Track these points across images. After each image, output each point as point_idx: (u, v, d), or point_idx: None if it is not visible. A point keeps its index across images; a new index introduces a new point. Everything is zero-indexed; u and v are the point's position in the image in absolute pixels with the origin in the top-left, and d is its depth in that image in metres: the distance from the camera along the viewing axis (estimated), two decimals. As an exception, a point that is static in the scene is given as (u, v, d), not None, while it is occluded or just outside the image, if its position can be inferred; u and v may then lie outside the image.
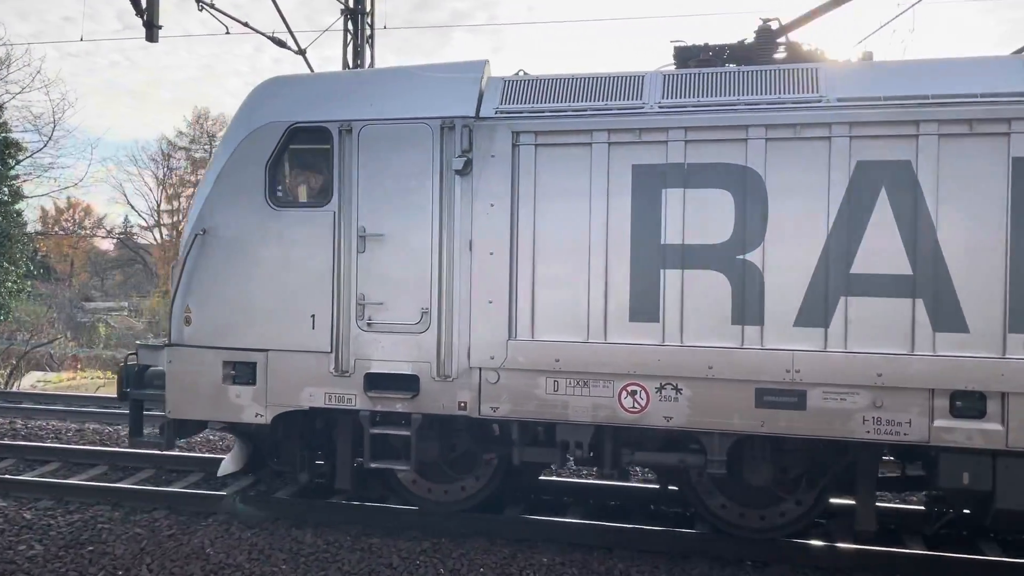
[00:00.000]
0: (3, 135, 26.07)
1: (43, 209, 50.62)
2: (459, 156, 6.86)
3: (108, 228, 58.22)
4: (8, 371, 26.08)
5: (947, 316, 6.08)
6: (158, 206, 54.87)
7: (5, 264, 25.61)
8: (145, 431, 7.98)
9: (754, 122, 6.38)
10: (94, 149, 76.46)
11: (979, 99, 6.08)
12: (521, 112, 6.86)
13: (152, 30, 12.81)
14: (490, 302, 6.84)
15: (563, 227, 6.73)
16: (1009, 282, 5.97)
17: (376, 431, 7.12)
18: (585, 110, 6.75)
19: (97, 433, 11.69)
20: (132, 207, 58.01)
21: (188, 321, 7.54)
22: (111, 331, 39.90)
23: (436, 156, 6.96)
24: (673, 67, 7.46)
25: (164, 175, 54.96)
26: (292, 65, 77.97)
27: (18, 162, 27.44)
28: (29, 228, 30.55)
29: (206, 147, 51.28)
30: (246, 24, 15.32)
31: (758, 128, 6.38)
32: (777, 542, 7.04)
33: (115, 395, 8.81)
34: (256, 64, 61.91)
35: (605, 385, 6.65)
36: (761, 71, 6.65)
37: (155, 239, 54.77)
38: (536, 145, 6.78)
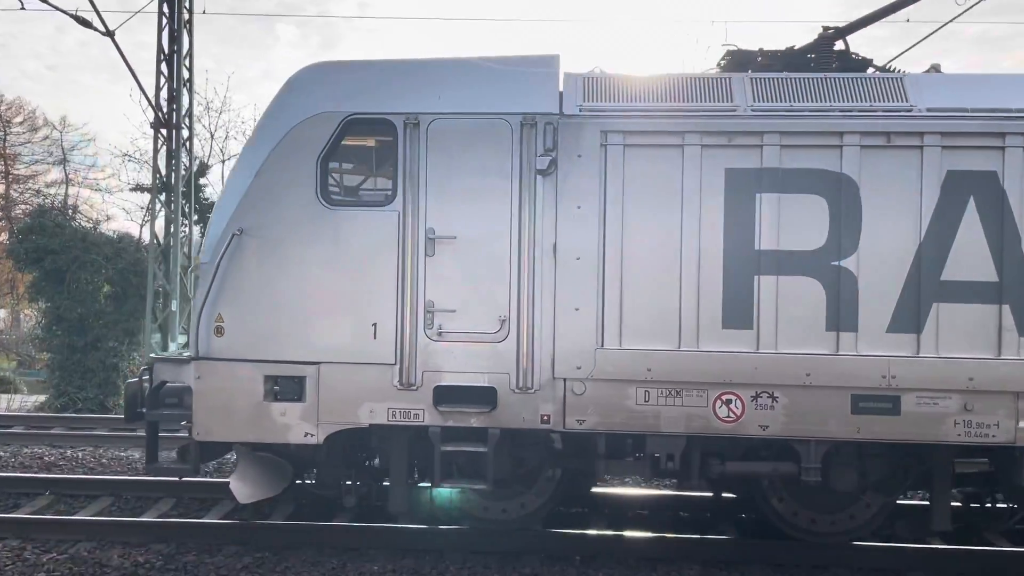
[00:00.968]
0: None
1: None
2: (542, 155, 6.48)
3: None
4: None
5: None
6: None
7: None
8: (160, 455, 7.06)
9: (849, 129, 6.39)
10: None
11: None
12: (607, 111, 6.56)
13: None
14: (576, 309, 6.49)
15: (653, 231, 6.49)
16: None
17: (448, 448, 6.60)
18: (676, 111, 6.53)
19: (93, 458, 10.44)
20: None
21: (220, 332, 6.73)
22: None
23: (516, 154, 6.54)
24: (716, 71, 7.41)
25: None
26: (101, 49, 71.50)
27: None
28: None
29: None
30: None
31: (853, 135, 6.39)
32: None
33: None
34: (58, 46, 56.74)
35: (699, 394, 6.46)
36: (851, 78, 6.67)
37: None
38: (625, 145, 6.50)
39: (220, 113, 31.21)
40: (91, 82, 58.43)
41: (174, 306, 15.78)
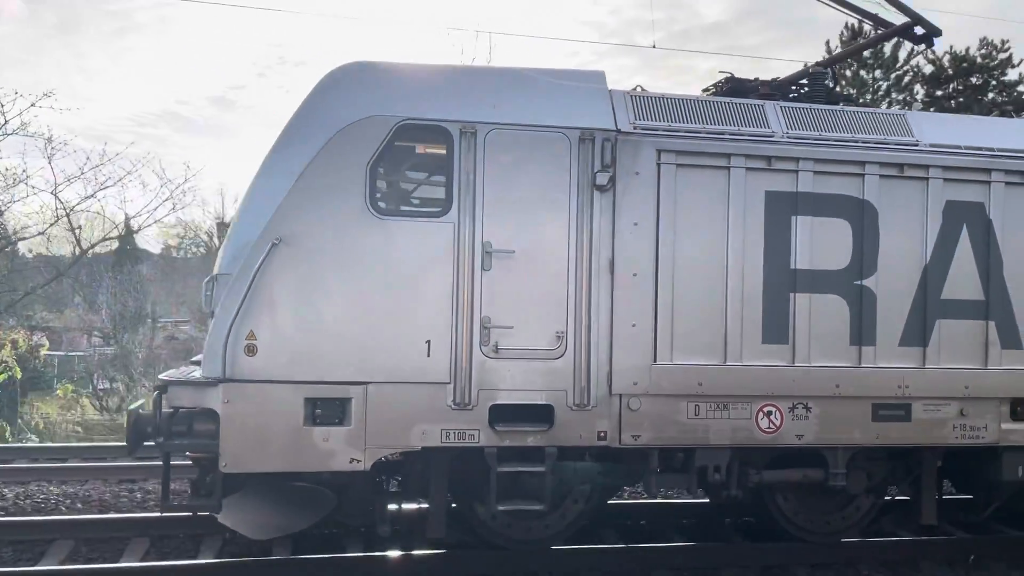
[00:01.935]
0: None
1: None
2: (601, 171, 6.48)
3: None
4: None
5: (1009, 336, 7.18)
6: None
7: None
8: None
9: (871, 159, 6.96)
10: None
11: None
12: (658, 130, 6.69)
13: None
14: (633, 325, 6.55)
15: (703, 249, 6.70)
16: None
17: (505, 469, 6.39)
18: (723, 134, 6.79)
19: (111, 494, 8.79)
20: None
21: (251, 350, 6.10)
22: None
23: (574, 169, 6.49)
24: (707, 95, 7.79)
25: None
26: None
27: None
28: None
29: None
30: None
31: (873, 164, 6.96)
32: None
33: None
34: None
35: (744, 407, 6.73)
36: (865, 112, 7.26)
37: None
38: (677, 165, 6.66)
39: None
40: None
41: None
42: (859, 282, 6.94)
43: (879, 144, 7.06)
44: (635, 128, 6.64)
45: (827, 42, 26.85)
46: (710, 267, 6.72)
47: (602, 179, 6.47)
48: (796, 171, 6.85)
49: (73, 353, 33.20)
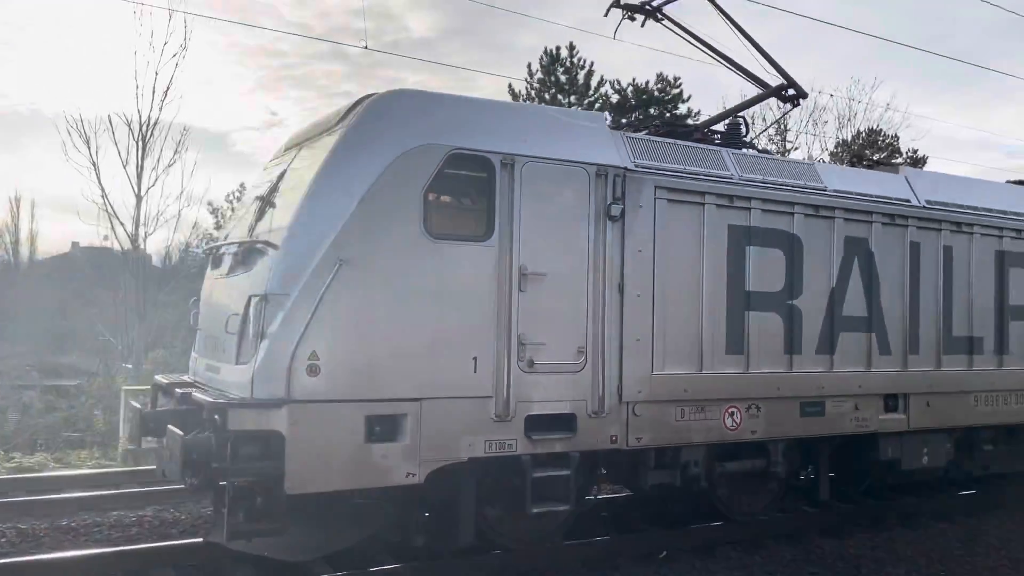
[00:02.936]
0: None
1: None
2: (613, 203, 7.27)
3: None
4: None
5: (883, 344, 9.03)
6: None
7: None
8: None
9: (798, 200, 8.43)
10: None
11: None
12: (652, 168, 7.62)
13: None
14: (638, 339, 7.40)
15: (686, 272, 7.73)
16: (908, 321, 9.19)
17: (539, 474, 6.93)
18: (699, 175, 7.87)
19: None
20: None
21: (314, 371, 6.13)
22: None
23: (592, 200, 7.21)
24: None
25: None
26: None
27: None
28: None
29: None
30: None
31: (800, 205, 8.44)
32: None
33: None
34: None
35: (714, 409, 7.85)
36: (790, 161, 8.73)
37: None
38: (668, 200, 7.64)
39: None
40: None
41: None
42: (790, 301, 8.37)
43: (802, 189, 8.56)
44: (637, 166, 7.52)
45: (528, 65, 31.41)
46: (691, 288, 7.77)
47: (615, 210, 7.26)
48: (749, 208, 8.13)
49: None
